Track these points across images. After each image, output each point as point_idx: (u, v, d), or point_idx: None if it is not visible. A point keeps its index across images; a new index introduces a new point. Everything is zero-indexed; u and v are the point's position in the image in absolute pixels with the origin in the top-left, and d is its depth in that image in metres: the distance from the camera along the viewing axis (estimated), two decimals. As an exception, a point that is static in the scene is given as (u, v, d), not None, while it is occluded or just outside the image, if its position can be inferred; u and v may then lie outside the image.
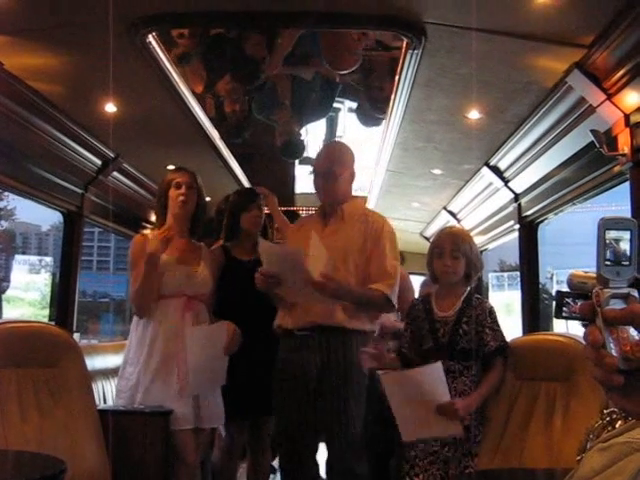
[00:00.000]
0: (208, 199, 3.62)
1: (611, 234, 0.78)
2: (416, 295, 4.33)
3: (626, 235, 0.79)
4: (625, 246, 0.78)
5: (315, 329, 3.10)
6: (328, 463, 3.19)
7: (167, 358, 3.13)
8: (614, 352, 0.75)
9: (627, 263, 0.78)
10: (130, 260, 3.34)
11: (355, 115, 4.51)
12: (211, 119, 4.28)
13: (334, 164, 3.24)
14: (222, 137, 4.55)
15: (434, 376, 2.88)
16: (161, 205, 3.38)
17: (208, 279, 3.35)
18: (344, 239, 3.18)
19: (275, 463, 4.51)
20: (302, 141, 5.04)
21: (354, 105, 4.53)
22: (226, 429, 3.63)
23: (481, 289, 5.77)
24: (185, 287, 3.22)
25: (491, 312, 3.03)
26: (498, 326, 3.00)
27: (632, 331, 0.75)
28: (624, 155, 2.80)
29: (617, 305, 0.77)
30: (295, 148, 5.00)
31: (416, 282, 5.40)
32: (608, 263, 0.78)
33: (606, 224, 0.78)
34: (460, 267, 3.04)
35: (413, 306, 3.22)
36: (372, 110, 4.32)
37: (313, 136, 5.31)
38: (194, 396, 3.16)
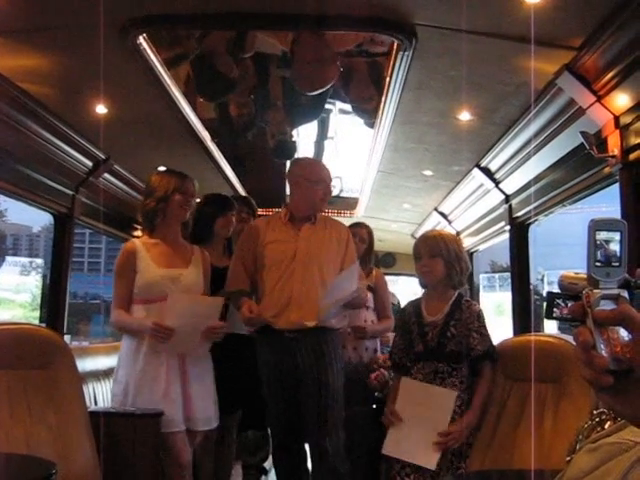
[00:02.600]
0: (198, 200, 3.62)
1: (601, 235, 0.79)
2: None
3: (616, 236, 0.79)
4: (615, 247, 0.79)
5: (302, 330, 3.23)
6: (312, 462, 3.33)
7: (153, 361, 3.14)
8: (604, 353, 0.75)
9: (617, 264, 0.79)
10: (115, 269, 3.32)
11: (351, 116, 4.52)
12: (213, 120, 4.27)
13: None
14: (214, 138, 4.53)
15: (444, 401, 2.91)
16: (157, 210, 3.30)
17: (196, 281, 3.32)
18: (319, 242, 3.38)
19: (266, 464, 4.51)
20: (294, 142, 5.05)
21: (346, 107, 4.53)
22: None
23: (472, 290, 5.79)
24: (169, 290, 3.20)
25: (479, 316, 3.03)
26: (486, 330, 3.00)
27: (622, 332, 0.75)
28: (614, 157, 2.81)
29: (607, 306, 0.77)
30: (288, 149, 5.02)
31: (407, 283, 5.42)
32: (598, 264, 0.79)
33: (596, 225, 0.79)
34: (438, 266, 3.04)
35: (403, 311, 3.25)
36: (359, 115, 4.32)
37: (304, 137, 5.30)
38: (184, 398, 3.15)
